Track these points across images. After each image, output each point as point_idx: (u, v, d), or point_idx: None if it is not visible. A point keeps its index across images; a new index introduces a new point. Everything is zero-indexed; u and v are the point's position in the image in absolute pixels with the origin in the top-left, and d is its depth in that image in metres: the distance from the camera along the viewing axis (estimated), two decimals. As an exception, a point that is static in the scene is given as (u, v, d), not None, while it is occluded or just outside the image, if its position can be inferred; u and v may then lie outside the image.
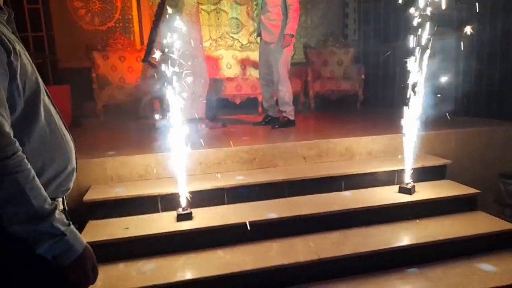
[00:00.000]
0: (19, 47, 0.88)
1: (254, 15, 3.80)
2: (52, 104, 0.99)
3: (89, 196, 2.39)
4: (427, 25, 2.43)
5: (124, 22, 5.33)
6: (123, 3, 5.29)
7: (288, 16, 3.56)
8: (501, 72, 3.92)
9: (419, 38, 2.46)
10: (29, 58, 0.92)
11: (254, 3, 3.79)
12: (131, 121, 4.41)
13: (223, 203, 2.55)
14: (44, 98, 0.94)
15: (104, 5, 5.24)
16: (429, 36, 2.44)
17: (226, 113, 4.57)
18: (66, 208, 1.02)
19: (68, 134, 1.03)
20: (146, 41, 5.24)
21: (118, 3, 5.28)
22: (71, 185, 1.01)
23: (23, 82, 0.86)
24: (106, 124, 4.41)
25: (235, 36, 5.56)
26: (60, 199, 0.97)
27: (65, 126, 1.02)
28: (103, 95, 4.59)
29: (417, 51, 2.49)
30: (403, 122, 2.62)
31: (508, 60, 3.86)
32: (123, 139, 3.44)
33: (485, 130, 3.39)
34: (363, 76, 4.95)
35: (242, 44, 5.46)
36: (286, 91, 3.73)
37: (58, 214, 0.86)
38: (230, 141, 2.92)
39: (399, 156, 2.78)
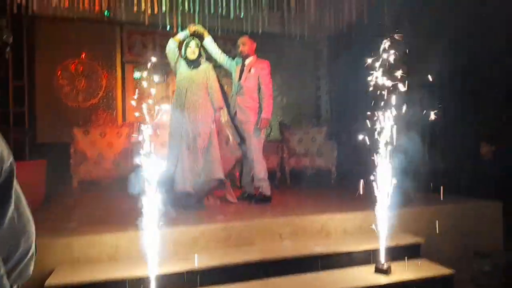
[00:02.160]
0: None
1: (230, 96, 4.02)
2: (19, 186, 0.97)
3: (51, 280, 2.25)
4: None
5: (108, 99, 5.52)
6: (108, 81, 5.53)
7: (263, 101, 3.80)
8: (468, 149, 4.19)
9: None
10: (4, 140, 0.91)
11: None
12: (106, 197, 4.32)
13: (196, 286, 2.44)
14: (14, 181, 0.93)
15: (90, 83, 5.46)
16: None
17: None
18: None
19: (31, 217, 1.00)
20: (128, 117, 5.43)
21: (103, 81, 5.51)
22: (31, 271, 0.97)
23: (0, 168, 0.85)
24: (79, 201, 4.30)
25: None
26: (15, 287, 0.93)
27: (28, 209, 1.00)
28: (80, 170, 4.55)
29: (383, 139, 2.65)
30: (375, 199, 2.69)
31: (470, 139, 4.15)
32: (94, 217, 3.34)
33: (457, 207, 3.50)
34: (336, 153, 5.15)
35: (221, 122, 5.66)
36: (261, 168, 3.82)
37: None
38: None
39: (375, 234, 2.79)
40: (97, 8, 4.18)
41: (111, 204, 3.97)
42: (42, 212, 3.46)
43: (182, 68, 3.57)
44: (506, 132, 4.48)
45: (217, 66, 3.97)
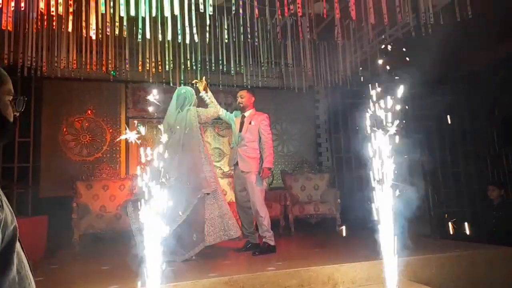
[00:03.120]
0: (2, 196, 0.90)
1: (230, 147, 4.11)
2: (22, 247, 0.97)
3: None
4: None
5: (112, 153, 5.61)
6: (112, 135, 5.66)
7: (264, 151, 3.90)
8: (470, 193, 4.18)
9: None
10: (9, 206, 0.93)
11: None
12: (107, 252, 4.25)
13: None
14: (17, 244, 0.93)
15: (95, 138, 5.59)
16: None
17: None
18: None
19: (32, 280, 1.00)
20: (131, 171, 5.49)
21: (108, 136, 5.65)
22: None
23: (3, 234, 0.87)
24: (80, 256, 4.22)
25: (218, 164, 5.88)
26: None
27: (30, 269, 1.00)
28: (82, 224, 4.52)
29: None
30: (381, 248, 2.65)
31: (474, 182, 4.16)
32: (94, 272, 3.27)
33: (466, 254, 3.41)
34: (339, 200, 5.13)
35: (223, 171, 5.73)
36: (264, 217, 3.80)
37: None
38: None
39: (384, 284, 2.71)
40: (104, 69, 4.42)
41: (113, 258, 3.90)
42: (42, 267, 3.40)
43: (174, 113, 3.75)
44: (509, 175, 4.51)
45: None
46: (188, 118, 3.68)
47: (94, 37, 3.64)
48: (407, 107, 2.70)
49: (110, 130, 5.68)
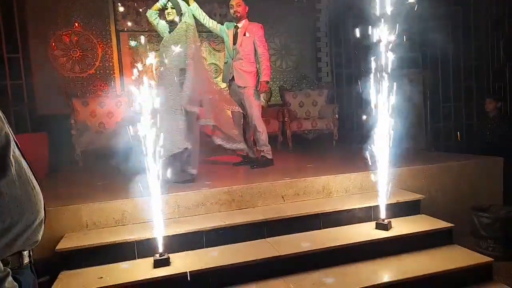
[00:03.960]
0: None
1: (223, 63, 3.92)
2: (22, 155, 0.99)
3: (62, 245, 2.32)
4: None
5: (105, 69, 5.45)
6: (103, 51, 5.43)
7: (260, 64, 3.76)
8: (467, 108, 4.17)
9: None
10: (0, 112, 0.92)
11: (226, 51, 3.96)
12: (110, 166, 4.37)
13: (202, 247, 2.52)
14: (14, 150, 0.94)
15: (85, 53, 5.37)
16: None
17: (206, 153, 4.60)
18: (32, 261, 1.00)
19: (37, 185, 1.02)
20: (126, 87, 5.38)
21: (99, 51, 5.42)
22: (40, 237, 1.00)
23: None
24: (84, 170, 4.36)
25: (214, 80, 5.73)
26: (26, 252, 0.96)
27: (35, 177, 1.02)
28: (82, 141, 4.58)
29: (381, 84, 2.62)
30: (375, 158, 2.71)
31: (472, 97, 4.12)
32: (100, 185, 3.41)
33: (455, 165, 3.52)
34: (337, 116, 5.14)
35: (220, 87, 5.62)
36: (262, 132, 3.83)
37: (9, 283, 0.84)
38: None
39: (376, 193, 2.84)
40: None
41: (115, 172, 4.03)
42: (48, 183, 3.53)
43: (166, 34, 3.47)
44: (510, 89, 4.44)
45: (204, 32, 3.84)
46: (180, 35, 3.42)
47: None
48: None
49: (101, 45, 5.43)
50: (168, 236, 2.34)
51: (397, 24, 2.49)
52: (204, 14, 3.78)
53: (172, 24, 3.41)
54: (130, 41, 5.55)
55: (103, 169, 4.26)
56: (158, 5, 3.47)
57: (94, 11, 5.33)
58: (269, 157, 3.89)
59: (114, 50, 5.44)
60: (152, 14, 3.50)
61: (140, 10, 5.34)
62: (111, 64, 5.46)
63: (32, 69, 5.12)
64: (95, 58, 5.41)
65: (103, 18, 5.38)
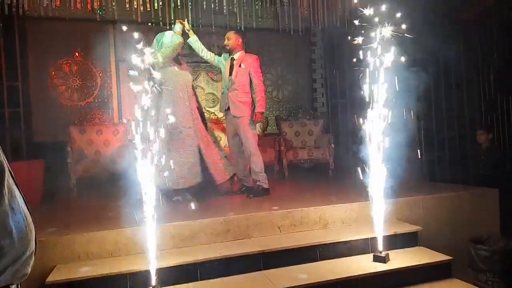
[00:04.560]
0: None
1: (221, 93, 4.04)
2: (16, 184, 0.97)
3: (52, 278, 2.26)
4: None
5: (103, 98, 5.50)
6: (103, 80, 5.51)
7: (256, 94, 3.83)
8: (461, 139, 4.22)
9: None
10: None
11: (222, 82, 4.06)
12: (104, 194, 4.33)
13: (197, 279, 2.46)
14: (8, 179, 0.93)
15: (85, 82, 5.44)
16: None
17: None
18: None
19: (29, 216, 1.01)
20: (124, 116, 5.41)
21: (98, 80, 5.50)
22: (29, 270, 0.97)
23: None
24: (79, 199, 4.31)
25: (211, 110, 5.82)
26: (14, 286, 0.93)
27: (27, 207, 1.01)
28: (78, 169, 4.55)
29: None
30: (371, 189, 2.71)
31: (465, 128, 4.18)
32: (94, 215, 3.36)
33: (452, 196, 3.53)
34: (332, 145, 5.18)
35: (217, 117, 5.69)
36: (258, 161, 3.83)
37: None
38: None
39: (373, 223, 2.82)
40: (89, 7, 4.17)
41: (110, 201, 3.98)
42: (41, 211, 3.47)
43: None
44: (501, 120, 4.53)
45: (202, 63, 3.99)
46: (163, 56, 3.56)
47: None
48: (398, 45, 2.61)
49: (100, 74, 5.52)
50: (161, 268, 2.29)
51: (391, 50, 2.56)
52: (202, 46, 3.91)
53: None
54: (129, 72, 5.64)
55: (98, 197, 4.21)
56: (178, 29, 3.62)
57: (95, 41, 5.44)
58: (265, 186, 3.88)
59: (113, 80, 5.52)
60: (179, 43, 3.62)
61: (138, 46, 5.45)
62: (109, 92, 5.52)
63: (31, 97, 5.17)
64: (94, 87, 5.48)
65: (103, 48, 5.49)
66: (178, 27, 3.63)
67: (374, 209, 2.72)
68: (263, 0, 4.68)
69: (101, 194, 4.34)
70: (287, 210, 3.08)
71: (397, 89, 2.65)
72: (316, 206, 3.15)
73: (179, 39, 3.59)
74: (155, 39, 3.63)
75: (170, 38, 3.55)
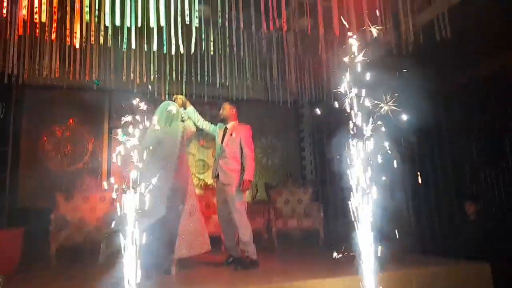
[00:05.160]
0: None
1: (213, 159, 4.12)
2: None
3: None
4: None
5: (93, 164, 5.50)
6: (94, 146, 5.56)
7: (245, 163, 3.89)
8: (449, 208, 4.23)
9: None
10: None
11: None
12: (84, 267, 4.12)
13: None
14: None
15: (75, 147, 5.48)
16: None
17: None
18: None
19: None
20: (115, 181, 5.37)
21: (90, 146, 5.55)
22: None
23: None
24: (57, 269, 4.08)
25: (201, 176, 5.84)
26: None
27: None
28: (60, 236, 4.38)
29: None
30: (360, 263, 2.64)
31: (451, 199, 4.22)
32: (69, 285, 3.16)
33: (444, 270, 3.44)
34: (322, 214, 5.14)
35: (207, 184, 5.69)
36: (246, 231, 3.76)
37: None
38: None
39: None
40: (87, 78, 4.36)
41: (89, 271, 3.78)
42: (15, 281, 3.27)
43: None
44: (488, 192, 4.60)
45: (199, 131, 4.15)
46: (176, 133, 3.67)
47: (78, 46, 3.61)
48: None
49: (92, 141, 5.58)
50: None
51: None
52: (199, 116, 4.08)
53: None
54: (120, 135, 5.72)
55: (77, 268, 3.99)
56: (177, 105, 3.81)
57: (90, 107, 5.60)
58: (254, 257, 3.75)
59: (105, 146, 5.58)
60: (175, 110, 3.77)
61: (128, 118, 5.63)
62: (100, 159, 5.54)
63: (19, 162, 5.15)
64: (84, 153, 5.51)
65: (98, 115, 5.63)
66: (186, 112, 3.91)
67: (365, 284, 2.62)
68: (254, 75, 4.96)
69: (81, 265, 4.13)
70: (277, 285, 2.96)
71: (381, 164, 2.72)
72: (306, 280, 3.04)
73: (193, 125, 3.90)
74: (159, 110, 3.77)
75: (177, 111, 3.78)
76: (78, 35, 3.50)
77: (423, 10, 4.14)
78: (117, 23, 3.31)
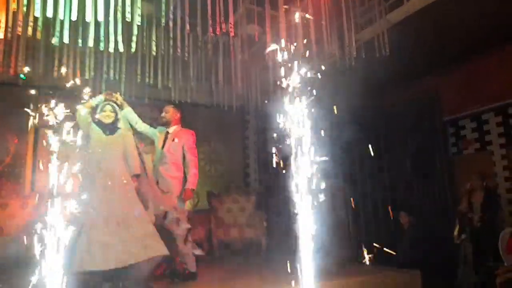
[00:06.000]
0: None
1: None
2: None
3: None
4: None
5: (15, 167, 4.94)
6: (17, 146, 5.00)
7: (188, 170, 3.69)
8: (386, 219, 4.42)
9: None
10: None
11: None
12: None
13: None
14: None
15: (-5, 148, 4.89)
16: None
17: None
18: None
19: None
20: (38, 187, 4.86)
21: (12, 147, 4.98)
22: None
23: None
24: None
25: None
26: None
27: None
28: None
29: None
30: (300, 271, 2.63)
31: (387, 211, 4.41)
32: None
33: (377, 277, 3.57)
34: (265, 223, 5.11)
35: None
36: (184, 241, 3.58)
37: None
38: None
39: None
40: (12, 72, 3.92)
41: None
42: None
43: (96, 135, 3.33)
44: (422, 204, 4.90)
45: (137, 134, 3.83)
46: (124, 143, 3.36)
47: (1, 36, 3.22)
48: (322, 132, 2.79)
49: (16, 141, 5.02)
50: None
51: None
52: (137, 118, 3.77)
53: (106, 127, 3.33)
54: (49, 137, 5.22)
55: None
56: (92, 103, 3.40)
57: (14, 104, 5.03)
58: (192, 270, 3.59)
59: (30, 147, 5.04)
60: (86, 117, 3.33)
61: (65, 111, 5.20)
62: (23, 161, 4.99)
63: None
64: (5, 153, 4.94)
65: (24, 112, 5.07)
66: (95, 100, 3.44)
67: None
68: (198, 77, 4.80)
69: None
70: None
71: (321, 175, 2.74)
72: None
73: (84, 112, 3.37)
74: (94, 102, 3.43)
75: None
76: (2, 24, 3.13)
77: (364, 28, 4.32)
78: (49, 14, 3.00)
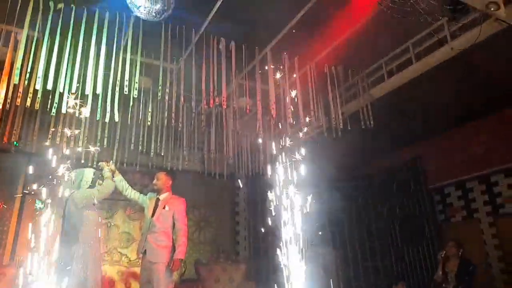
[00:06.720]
0: None
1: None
2: None
3: None
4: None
5: (-3, 232, 4.76)
6: (2, 211, 4.85)
7: (177, 239, 3.61)
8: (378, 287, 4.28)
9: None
10: None
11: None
12: None
13: None
14: None
15: (-23, 213, 4.74)
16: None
17: None
18: None
19: None
20: (18, 256, 4.64)
21: (-4, 213, 4.84)
22: None
23: None
24: None
25: (124, 251, 5.32)
26: None
27: None
28: None
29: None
30: None
31: (379, 277, 4.29)
32: None
33: None
34: (254, 295, 4.89)
35: (130, 260, 5.20)
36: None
37: None
38: None
39: None
40: (5, 139, 3.97)
41: None
42: None
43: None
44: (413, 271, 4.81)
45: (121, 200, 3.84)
46: (81, 199, 3.34)
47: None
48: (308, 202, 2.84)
49: (1, 206, 4.89)
50: None
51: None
52: (127, 185, 3.79)
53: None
54: (36, 204, 5.12)
55: None
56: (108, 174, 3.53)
57: (4, 171, 5.00)
58: None
59: (15, 213, 4.91)
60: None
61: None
62: (5, 228, 4.83)
63: None
64: (-12, 219, 4.78)
65: (12, 180, 5.01)
66: (107, 171, 3.55)
67: None
68: (191, 146, 4.90)
69: None
70: None
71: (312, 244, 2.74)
72: None
73: (112, 185, 3.50)
74: (74, 176, 3.47)
75: (93, 178, 3.45)
76: (1, 95, 3.24)
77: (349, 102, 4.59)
78: (49, 87, 3.14)
